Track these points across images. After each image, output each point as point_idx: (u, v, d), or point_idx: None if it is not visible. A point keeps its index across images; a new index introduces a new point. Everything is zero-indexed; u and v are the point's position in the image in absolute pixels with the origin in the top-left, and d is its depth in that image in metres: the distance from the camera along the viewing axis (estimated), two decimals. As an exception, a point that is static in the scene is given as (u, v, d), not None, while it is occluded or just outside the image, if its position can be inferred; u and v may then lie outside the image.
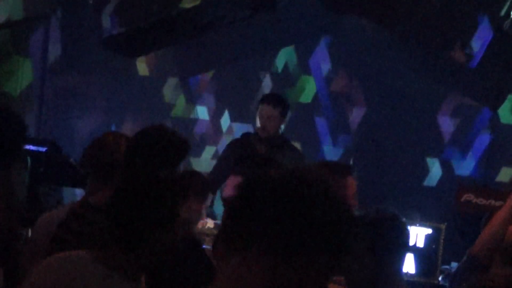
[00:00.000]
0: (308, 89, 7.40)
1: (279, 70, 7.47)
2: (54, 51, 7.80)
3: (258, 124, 5.80)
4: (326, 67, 7.39)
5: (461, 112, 7.07)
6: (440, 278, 5.54)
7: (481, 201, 5.74)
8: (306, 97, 7.38)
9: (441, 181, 7.09)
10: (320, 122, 7.32)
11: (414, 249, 5.46)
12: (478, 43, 6.53)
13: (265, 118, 5.70)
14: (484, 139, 7.05)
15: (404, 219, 3.13)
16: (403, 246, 3.12)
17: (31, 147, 6.19)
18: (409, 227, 3.75)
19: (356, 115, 7.29)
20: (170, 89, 7.64)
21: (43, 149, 6.32)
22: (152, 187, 2.52)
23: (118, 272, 2.46)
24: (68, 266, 2.63)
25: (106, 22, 7.14)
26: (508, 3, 6.49)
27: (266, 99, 5.90)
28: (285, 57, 7.47)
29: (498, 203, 5.09)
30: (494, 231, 3.88)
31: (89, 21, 7.37)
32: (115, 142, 3.45)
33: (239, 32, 7.24)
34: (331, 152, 7.20)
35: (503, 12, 6.51)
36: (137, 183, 2.55)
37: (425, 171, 7.15)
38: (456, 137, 7.13)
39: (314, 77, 7.41)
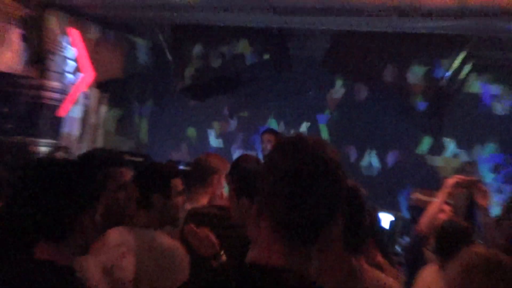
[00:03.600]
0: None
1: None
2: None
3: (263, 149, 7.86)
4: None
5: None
6: (400, 249, 6.29)
7: (426, 198, 6.07)
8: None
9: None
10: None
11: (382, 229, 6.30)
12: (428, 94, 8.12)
13: (266, 142, 7.80)
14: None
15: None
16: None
17: (132, 158, 6.62)
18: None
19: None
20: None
21: (140, 159, 6.93)
22: None
23: None
24: None
25: (186, 78, 9.25)
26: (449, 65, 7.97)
27: (267, 130, 8.26)
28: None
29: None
30: (433, 214, 4.80)
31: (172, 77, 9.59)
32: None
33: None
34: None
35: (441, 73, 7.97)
36: None
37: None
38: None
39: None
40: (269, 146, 7.50)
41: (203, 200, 4.37)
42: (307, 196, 1.75)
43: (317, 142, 1.84)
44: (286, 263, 1.78)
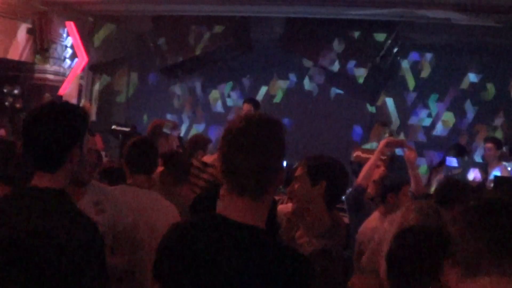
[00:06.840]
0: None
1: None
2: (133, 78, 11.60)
3: None
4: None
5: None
6: (343, 197, 5.60)
7: (365, 155, 6.63)
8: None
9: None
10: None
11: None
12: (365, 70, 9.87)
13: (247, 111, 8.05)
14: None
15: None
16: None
17: (121, 127, 8.49)
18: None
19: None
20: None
21: (127, 129, 8.45)
22: None
23: None
24: None
25: (162, 60, 10.79)
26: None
27: (246, 100, 8.79)
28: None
29: (375, 157, 5.50)
30: (370, 169, 4.97)
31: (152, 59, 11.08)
32: None
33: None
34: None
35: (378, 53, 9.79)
36: None
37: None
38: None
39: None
40: None
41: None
42: (246, 160, 1.97)
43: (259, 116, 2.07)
44: (240, 217, 1.98)
